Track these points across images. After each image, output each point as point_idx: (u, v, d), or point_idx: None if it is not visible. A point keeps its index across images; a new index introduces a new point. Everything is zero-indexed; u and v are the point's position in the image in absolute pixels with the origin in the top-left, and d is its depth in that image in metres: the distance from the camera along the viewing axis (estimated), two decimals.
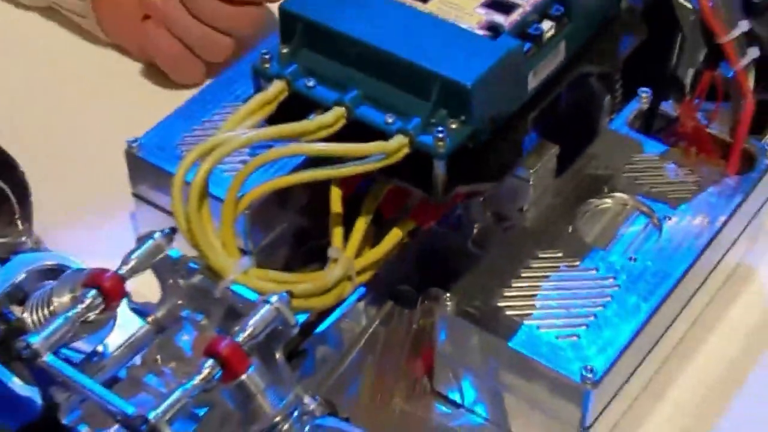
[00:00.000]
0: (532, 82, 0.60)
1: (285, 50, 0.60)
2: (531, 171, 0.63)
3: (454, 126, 0.57)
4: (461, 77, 0.56)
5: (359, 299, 0.64)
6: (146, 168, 0.68)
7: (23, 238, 0.65)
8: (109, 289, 0.53)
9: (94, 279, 0.53)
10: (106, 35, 0.86)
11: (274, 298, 0.53)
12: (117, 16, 0.84)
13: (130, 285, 0.54)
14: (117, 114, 0.81)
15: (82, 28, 0.87)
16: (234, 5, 0.80)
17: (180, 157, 0.61)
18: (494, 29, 0.59)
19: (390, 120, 0.57)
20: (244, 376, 0.51)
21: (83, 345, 0.56)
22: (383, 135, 0.57)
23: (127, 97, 0.83)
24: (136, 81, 0.85)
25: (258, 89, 0.61)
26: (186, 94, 0.73)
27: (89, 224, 0.74)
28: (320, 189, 0.60)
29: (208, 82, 0.78)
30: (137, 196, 0.70)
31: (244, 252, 0.64)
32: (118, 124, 0.75)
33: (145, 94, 0.83)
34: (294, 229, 0.68)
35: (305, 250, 0.69)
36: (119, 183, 0.70)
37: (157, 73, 0.84)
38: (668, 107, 0.69)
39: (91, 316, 0.54)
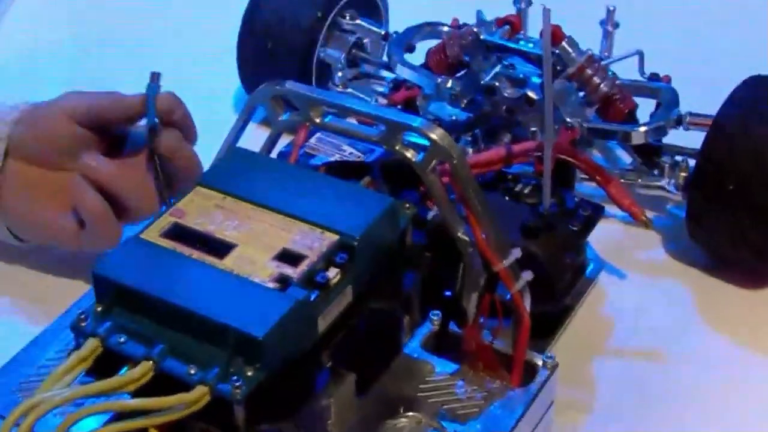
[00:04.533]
0: (322, 324, 0.68)
1: (99, 309, 0.68)
2: (330, 399, 0.71)
3: (250, 373, 0.64)
4: (253, 330, 0.64)
5: None
6: None
7: None
8: None
9: None
10: None
11: None
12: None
13: None
14: None
15: None
16: None
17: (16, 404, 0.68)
18: (284, 281, 0.67)
19: (192, 371, 0.65)
20: None
21: None
22: (187, 385, 0.64)
23: None
24: None
25: (78, 345, 0.68)
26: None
27: None
28: None
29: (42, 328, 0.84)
30: None
31: None
32: None
33: None
34: None
35: None
36: None
37: None
38: (457, 327, 0.77)
39: None
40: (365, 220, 0.70)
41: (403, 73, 1.03)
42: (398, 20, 1.13)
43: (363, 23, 1.09)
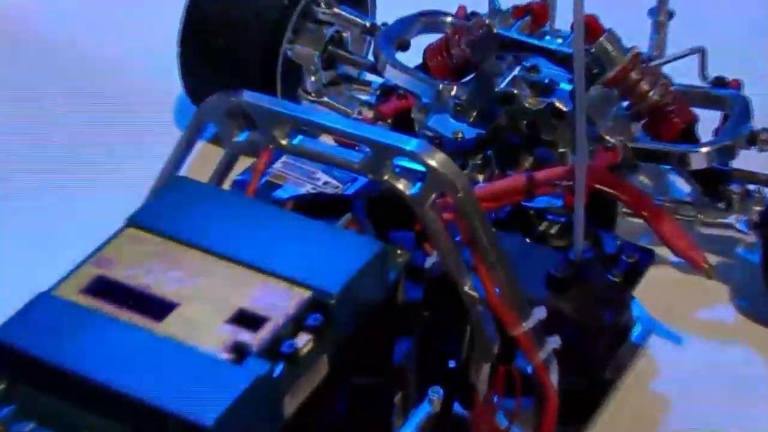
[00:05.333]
0: (290, 406, 0.68)
1: (0, 386, 0.67)
2: None
3: None
4: (199, 417, 0.63)
5: None
6: None
7: None
8: None
9: None
10: None
11: None
12: None
13: None
14: None
15: None
16: None
17: None
18: (240, 350, 0.67)
19: None
20: None
21: None
22: None
23: None
24: None
25: None
26: None
27: None
28: None
29: None
30: None
31: None
32: None
33: None
34: None
35: None
36: None
37: None
38: (463, 408, 0.77)
39: None
40: (345, 272, 0.70)
41: (394, 76, 1.04)
42: (388, 9, 1.13)
43: (342, 12, 1.10)
